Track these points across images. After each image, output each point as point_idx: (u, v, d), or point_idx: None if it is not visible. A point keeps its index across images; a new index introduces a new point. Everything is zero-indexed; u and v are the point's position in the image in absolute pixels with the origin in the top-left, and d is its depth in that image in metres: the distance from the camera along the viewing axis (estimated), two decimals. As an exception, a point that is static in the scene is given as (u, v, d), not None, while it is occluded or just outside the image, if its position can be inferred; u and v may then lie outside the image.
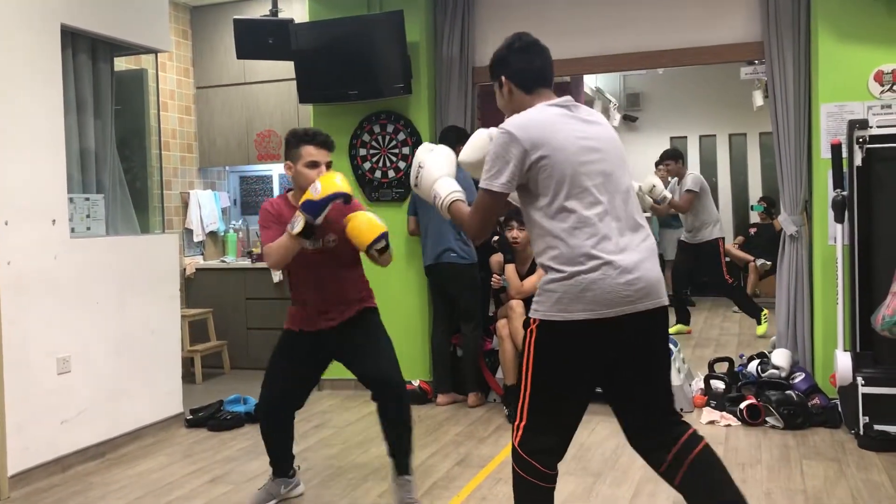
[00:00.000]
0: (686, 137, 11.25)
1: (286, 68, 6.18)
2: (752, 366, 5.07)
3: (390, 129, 5.66)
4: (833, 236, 4.59)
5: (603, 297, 2.30)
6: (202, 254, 7.11)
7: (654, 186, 6.94)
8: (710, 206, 7.27)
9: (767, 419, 4.58)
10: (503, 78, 2.63)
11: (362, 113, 5.71)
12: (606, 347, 2.39)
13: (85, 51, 4.54)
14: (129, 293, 4.57)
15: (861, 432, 4.17)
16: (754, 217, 10.02)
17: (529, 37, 2.70)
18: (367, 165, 5.72)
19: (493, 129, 2.61)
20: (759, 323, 7.29)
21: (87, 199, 4.52)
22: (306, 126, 3.84)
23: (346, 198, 3.24)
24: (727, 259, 7.33)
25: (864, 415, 4.18)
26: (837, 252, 4.43)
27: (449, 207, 2.63)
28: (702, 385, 5.08)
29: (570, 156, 2.37)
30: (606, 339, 2.37)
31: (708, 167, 11.20)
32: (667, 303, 2.45)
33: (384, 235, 3.30)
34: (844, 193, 4.40)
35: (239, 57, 5.82)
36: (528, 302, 5.05)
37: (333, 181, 3.19)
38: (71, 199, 4.33)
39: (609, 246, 2.33)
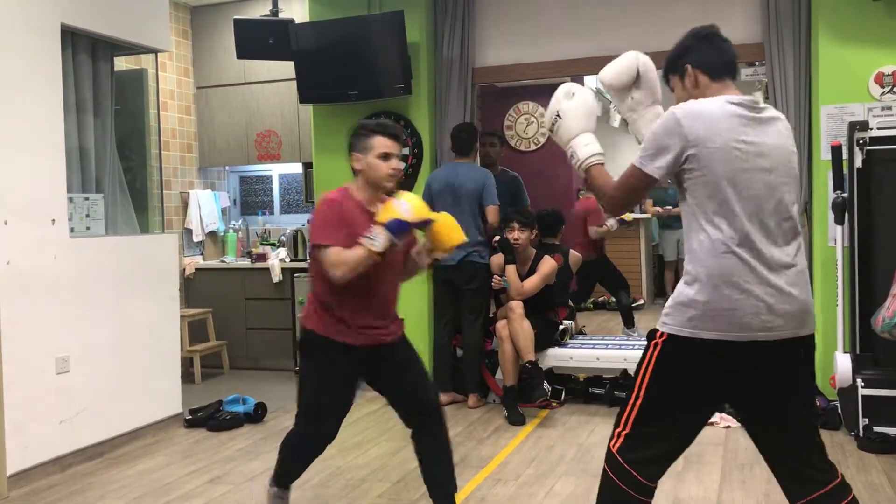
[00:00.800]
0: (686, 138, 11.26)
1: (286, 68, 6.18)
2: (752, 367, 5.06)
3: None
4: (833, 238, 4.59)
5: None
6: (202, 254, 7.11)
7: None
8: None
9: (767, 421, 4.57)
10: (688, 66, 2.41)
11: (362, 113, 5.70)
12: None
13: (85, 50, 4.54)
14: (129, 293, 4.57)
15: (860, 434, 4.17)
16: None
17: (714, 28, 2.52)
18: (366, 166, 5.71)
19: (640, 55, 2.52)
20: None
21: (87, 198, 4.52)
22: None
23: (429, 224, 3.04)
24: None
25: (863, 416, 4.18)
26: (837, 254, 4.43)
27: (588, 170, 2.47)
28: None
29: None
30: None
31: (708, 168, 11.21)
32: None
33: (463, 244, 3.18)
34: (844, 195, 4.40)
35: (239, 57, 5.82)
36: (527, 303, 5.07)
37: (422, 205, 3.00)
38: (70, 199, 4.33)
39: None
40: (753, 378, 2.20)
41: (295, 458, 3.25)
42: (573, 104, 2.56)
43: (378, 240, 2.91)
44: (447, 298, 5.37)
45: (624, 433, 2.31)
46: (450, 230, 3.10)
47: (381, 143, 3.13)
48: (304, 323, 3.15)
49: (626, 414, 2.33)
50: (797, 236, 2.25)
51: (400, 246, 3.01)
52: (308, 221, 3.09)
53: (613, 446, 2.32)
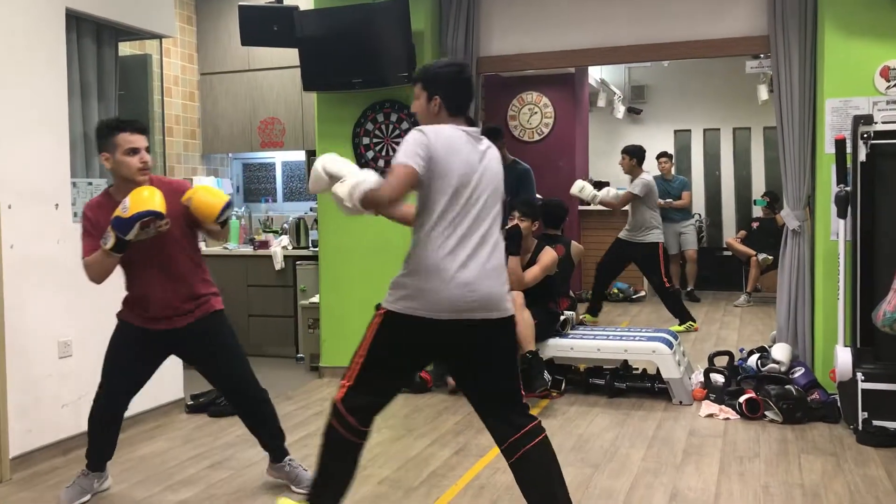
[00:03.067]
0: (690, 131, 11.24)
1: (290, 55, 6.16)
2: (752, 360, 5.07)
3: (394, 118, 5.66)
4: (835, 232, 4.59)
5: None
6: (204, 240, 7.11)
7: (583, 188, 7.36)
8: (653, 211, 7.48)
9: (766, 413, 4.59)
10: (437, 97, 2.87)
11: (366, 101, 5.70)
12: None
13: (89, 35, 4.53)
14: (231, 202, 4.49)
15: (860, 428, 4.18)
16: (757, 211, 10.01)
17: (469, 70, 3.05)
18: (370, 154, 5.71)
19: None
20: (680, 323, 7.34)
21: (90, 183, 4.52)
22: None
23: (158, 215, 3.14)
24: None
25: (863, 410, 4.19)
26: (839, 247, 4.43)
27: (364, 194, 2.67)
28: (701, 378, 5.09)
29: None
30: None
31: (711, 161, 11.19)
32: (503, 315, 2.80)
33: (229, 204, 3.35)
34: (848, 189, 4.39)
35: (243, 43, 5.81)
36: (528, 293, 5.08)
37: (143, 197, 3.12)
38: (74, 184, 4.33)
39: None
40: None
41: (98, 422, 3.53)
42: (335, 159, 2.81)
43: (107, 238, 3.14)
44: None
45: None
46: (209, 198, 3.27)
47: (125, 140, 3.27)
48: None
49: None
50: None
51: (132, 237, 3.13)
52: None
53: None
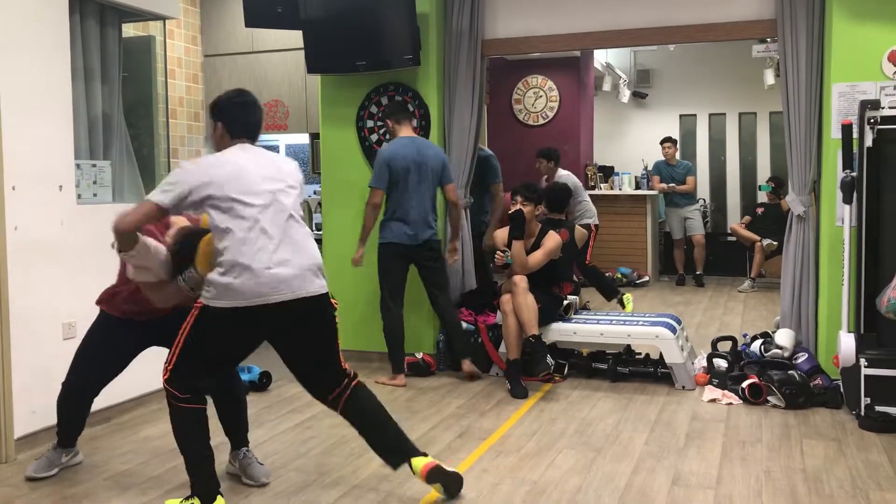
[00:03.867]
0: (696, 115, 11.19)
1: (294, 38, 6.14)
2: (756, 345, 5.08)
3: (398, 101, 5.63)
4: (841, 217, 4.57)
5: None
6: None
7: None
8: (584, 203, 7.64)
9: (769, 398, 4.60)
10: (219, 124, 3.31)
11: (370, 84, 5.68)
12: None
13: (93, 16, 4.51)
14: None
15: (862, 413, 4.18)
16: (762, 197, 9.99)
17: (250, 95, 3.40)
18: (374, 137, 5.70)
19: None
20: (620, 303, 7.31)
21: (94, 165, 4.52)
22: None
23: None
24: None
25: (865, 396, 4.19)
26: (845, 233, 4.42)
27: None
28: (704, 363, 5.09)
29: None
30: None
31: (717, 146, 11.16)
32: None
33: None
34: (854, 174, 4.38)
35: (247, 25, 5.79)
36: (532, 278, 5.07)
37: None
38: (78, 166, 4.33)
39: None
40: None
41: (70, 406, 3.65)
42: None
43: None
44: (401, 278, 5.26)
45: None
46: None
47: None
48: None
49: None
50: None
51: None
52: None
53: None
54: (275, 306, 3.03)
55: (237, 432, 3.65)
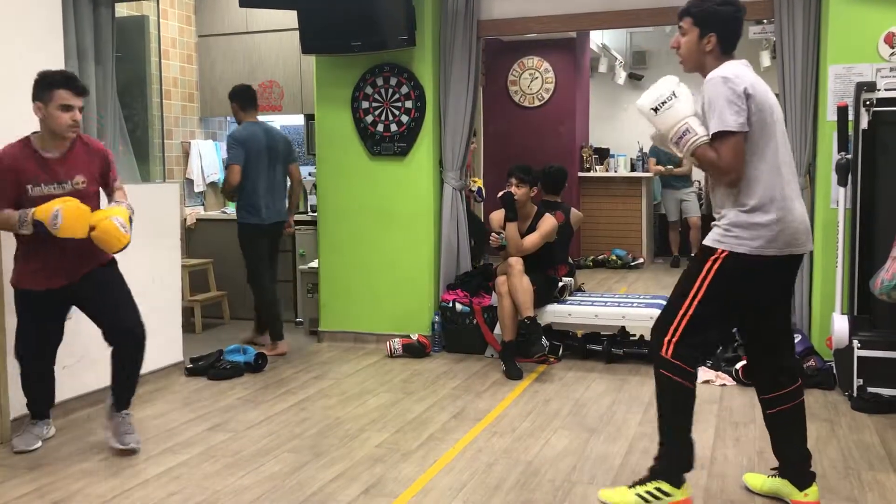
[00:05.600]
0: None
1: (289, 18, 6.10)
2: (750, 327, 5.09)
3: (393, 81, 5.61)
4: (835, 199, 4.58)
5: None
6: (203, 204, 7.10)
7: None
8: None
9: (762, 380, 4.61)
10: (714, 35, 2.87)
11: (365, 65, 5.65)
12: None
13: (85, -5, 4.48)
14: (135, 240, 4.56)
15: (855, 394, 4.21)
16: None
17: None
18: (369, 119, 5.68)
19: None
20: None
21: (88, 146, 4.50)
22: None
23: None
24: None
25: (858, 377, 4.22)
26: (839, 215, 4.43)
27: (697, 148, 2.79)
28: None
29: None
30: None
31: (712, 128, 11.13)
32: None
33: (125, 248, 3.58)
34: (849, 156, 4.38)
35: (242, 5, 5.75)
36: (527, 259, 5.08)
37: (76, 224, 3.39)
38: (71, 146, 4.30)
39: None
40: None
41: (33, 377, 3.79)
42: (684, 90, 2.88)
43: (23, 225, 3.40)
44: (266, 254, 5.58)
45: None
46: (108, 241, 3.49)
47: (62, 96, 3.41)
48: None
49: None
50: None
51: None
52: None
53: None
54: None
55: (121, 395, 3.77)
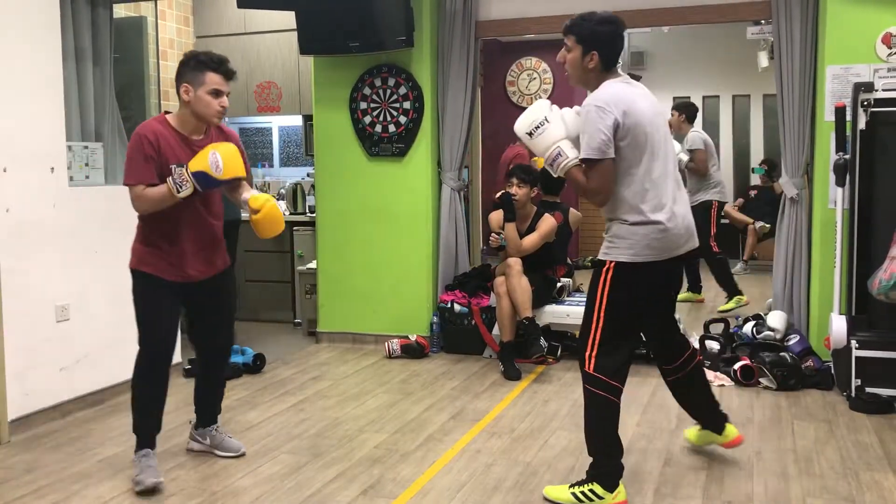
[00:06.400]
0: (689, 97, 11.16)
1: (287, 18, 6.10)
2: (748, 327, 5.10)
3: (391, 82, 5.61)
4: (833, 200, 4.58)
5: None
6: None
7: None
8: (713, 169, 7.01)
9: (761, 380, 4.62)
10: (595, 53, 3.02)
11: (363, 66, 5.65)
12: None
13: (83, -4, 4.48)
14: (128, 242, 4.54)
15: (853, 395, 4.21)
16: (755, 179, 10.00)
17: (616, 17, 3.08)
18: (367, 119, 5.68)
19: (575, 107, 3.10)
20: (728, 300, 6.79)
21: (86, 147, 4.50)
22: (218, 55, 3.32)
23: (242, 182, 3.30)
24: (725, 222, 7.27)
25: (856, 377, 4.22)
26: (837, 216, 4.43)
27: (569, 170, 2.97)
28: (697, 345, 5.11)
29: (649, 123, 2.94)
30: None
31: (710, 128, 11.10)
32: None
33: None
34: (847, 157, 4.38)
35: (240, 6, 5.74)
36: (526, 260, 5.08)
37: (236, 162, 3.17)
38: (70, 147, 4.30)
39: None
40: None
41: (149, 388, 3.38)
42: (556, 114, 3.06)
43: (183, 186, 3.10)
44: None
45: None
46: (272, 224, 3.28)
47: (214, 80, 3.19)
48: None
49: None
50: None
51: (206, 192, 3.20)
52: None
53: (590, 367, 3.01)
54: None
55: (213, 410, 3.68)
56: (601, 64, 3.01)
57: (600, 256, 3.04)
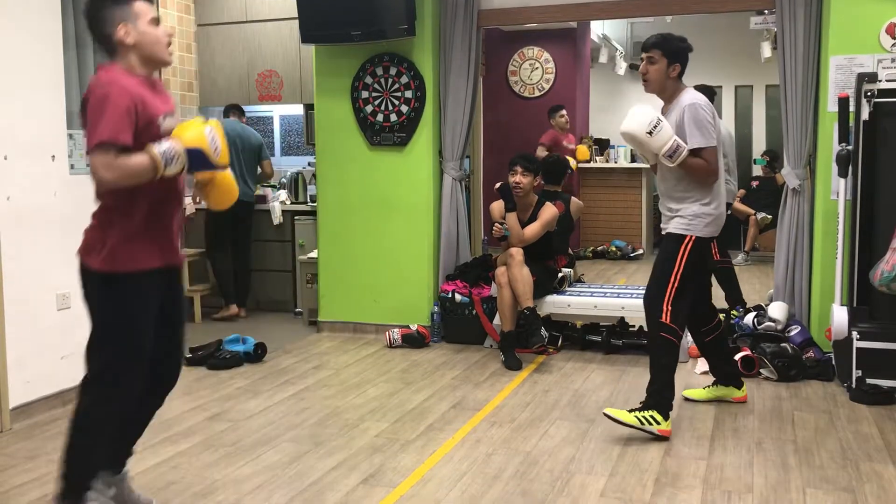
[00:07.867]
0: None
1: (288, 7, 6.08)
2: (749, 318, 5.09)
3: (393, 71, 5.60)
4: (836, 191, 4.57)
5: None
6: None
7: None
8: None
9: (762, 371, 4.62)
10: (678, 65, 3.72)
11: (365, 55, 5.63)
12: None
13: (84, -16, 4.45)
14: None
15: (853, 386, 4.21)
16: (757, 170, 9.98)
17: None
18: (368, 109, 5.66)
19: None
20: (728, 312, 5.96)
21: (87, 135, 4.48)
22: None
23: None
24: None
25: (857, 368, 4.22)
26: (839, 207, 4.42)
27: (686, 160, 3.57)
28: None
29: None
30: None
31: (713, 119, 11.12)
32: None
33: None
34: (849, 148, 4.37)
35: (241, -6, 5.73)
36: (527, 250, 5.08)
37: (226, 150, 2.64)
38: (70, 136, 4.29)
39: None
40: None
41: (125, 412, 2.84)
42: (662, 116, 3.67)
43: (175, 161, 2.47)
44: (226, 231, 6.28)
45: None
46: (222, 200, 2.79)
47: (144, 8, 2.58)
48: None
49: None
50: None
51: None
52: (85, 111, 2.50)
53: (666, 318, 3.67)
54: None
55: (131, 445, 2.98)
56: (679, 74, 3.71)
57: (678, 231, 3.68)
